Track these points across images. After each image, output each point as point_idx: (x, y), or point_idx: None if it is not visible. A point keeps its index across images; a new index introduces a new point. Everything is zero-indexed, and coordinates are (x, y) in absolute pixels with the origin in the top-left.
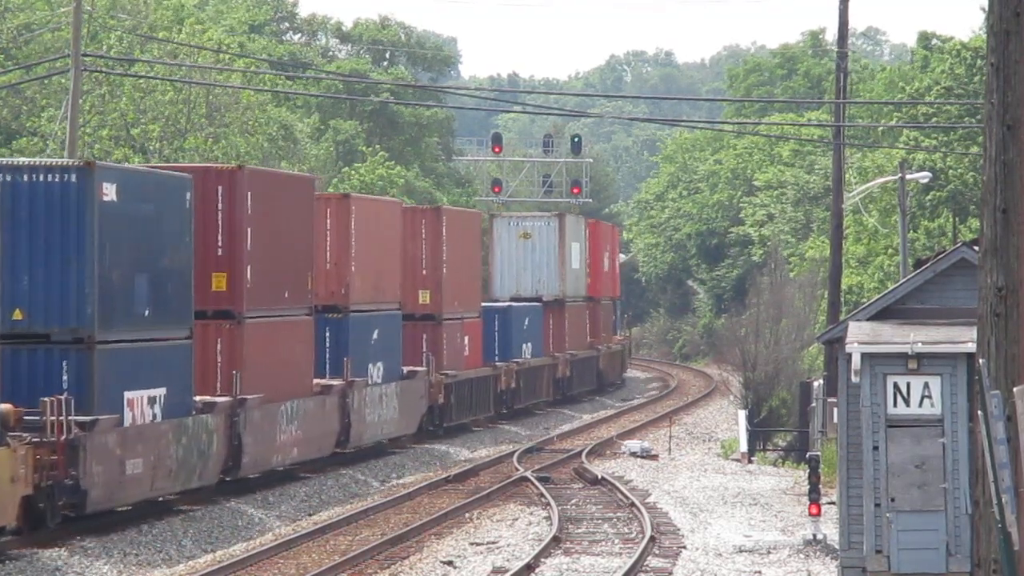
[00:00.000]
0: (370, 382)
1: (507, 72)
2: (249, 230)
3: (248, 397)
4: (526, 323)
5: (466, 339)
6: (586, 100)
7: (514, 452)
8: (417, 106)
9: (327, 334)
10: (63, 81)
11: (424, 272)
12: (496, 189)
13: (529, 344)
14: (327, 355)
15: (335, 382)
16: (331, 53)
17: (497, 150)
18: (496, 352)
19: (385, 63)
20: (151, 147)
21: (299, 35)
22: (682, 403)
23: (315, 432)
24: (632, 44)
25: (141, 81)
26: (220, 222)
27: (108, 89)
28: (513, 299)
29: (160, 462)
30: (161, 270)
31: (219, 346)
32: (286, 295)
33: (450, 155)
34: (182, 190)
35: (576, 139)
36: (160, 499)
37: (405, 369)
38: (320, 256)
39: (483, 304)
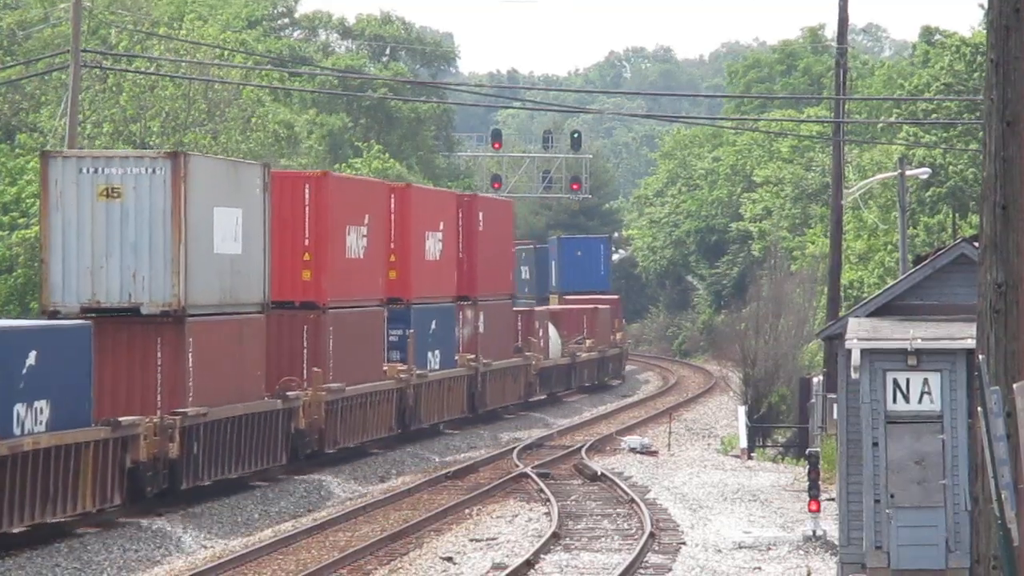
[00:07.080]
0: None
1: (506, 68)
2: None
3: None
4: (27, 364)
5: None
6: (585, 96)
7: (514, 448)
8: (416, 102)
9: None
10: (63, 77)
11: None
12: (496, 185)
13: (45, 409)
14: None
15: None
16: (330, 48)
17: (497, 146)
18: None
19: (385, 58)
20: (151, 142)
21: (298, 31)
22: (682, 399)
23: None
24: (631, 40)
25: (141, 77)
26: None
27: (108, 85)
28: (88, 309)
29: None
30: None
31: None
32: None
33: (450, 147)
34: None
35: (576, 135)
36: None
37: None
38: None
39: None
